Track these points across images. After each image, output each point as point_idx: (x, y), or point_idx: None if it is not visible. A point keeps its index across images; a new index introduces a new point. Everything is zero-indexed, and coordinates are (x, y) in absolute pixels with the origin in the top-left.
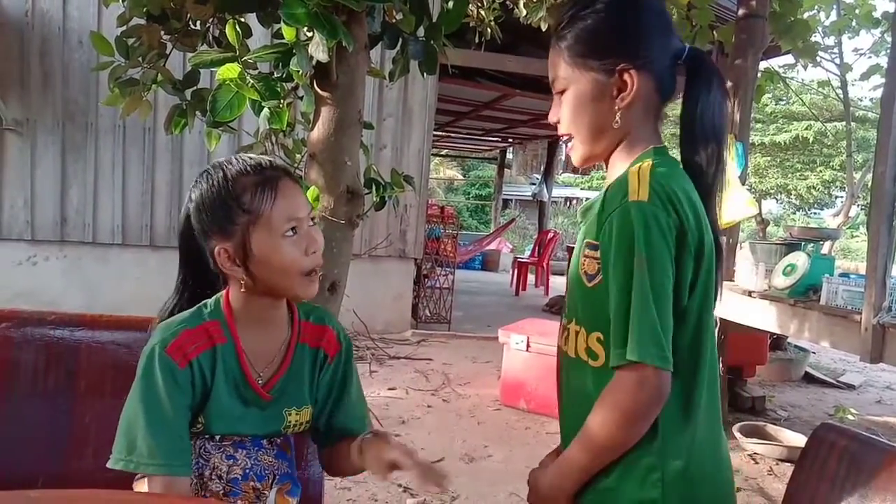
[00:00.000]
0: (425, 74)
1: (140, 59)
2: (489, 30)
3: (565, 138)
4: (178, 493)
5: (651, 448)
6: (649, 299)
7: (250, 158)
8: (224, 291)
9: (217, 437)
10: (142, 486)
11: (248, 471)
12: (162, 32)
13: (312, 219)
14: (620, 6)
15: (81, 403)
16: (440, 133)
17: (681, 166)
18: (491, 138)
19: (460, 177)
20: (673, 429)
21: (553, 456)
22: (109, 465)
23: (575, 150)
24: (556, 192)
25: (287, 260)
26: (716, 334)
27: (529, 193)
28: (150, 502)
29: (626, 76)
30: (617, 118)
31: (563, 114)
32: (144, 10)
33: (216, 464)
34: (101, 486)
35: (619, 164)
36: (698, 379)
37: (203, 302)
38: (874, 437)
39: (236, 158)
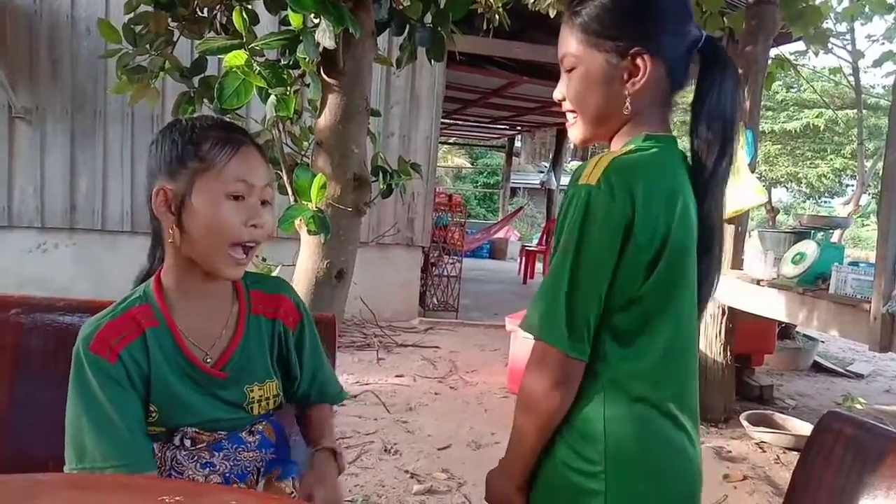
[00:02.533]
0: (433, 61)
1: (147, 46)
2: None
3: (569, 115)
4: None
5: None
6: (563, 284)
7: (225, 119)
8: (154, 275)
9: (187, 444)
10: None
11: (227, 474)
12: (169, 19)
13: (265, 201)
14: None
15: None
16: (448, 121)
17: (672, 156)
18: (499, 126)
19: (468, 165)
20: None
21: None
22: (65, 471)
23: (576, 129)
24: (565, 179)
25: (221, 221)
26: (697, 327)
27: (538, 182)
28: (156, 486)
29: (638, 60)
30: (627, 103)
31: (570, 91)
32: None
33: (191, 475)
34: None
35: (614, 148)
36: (633, 368)
37: (133, 289)
38: (880, 425)
39: (215, 116)
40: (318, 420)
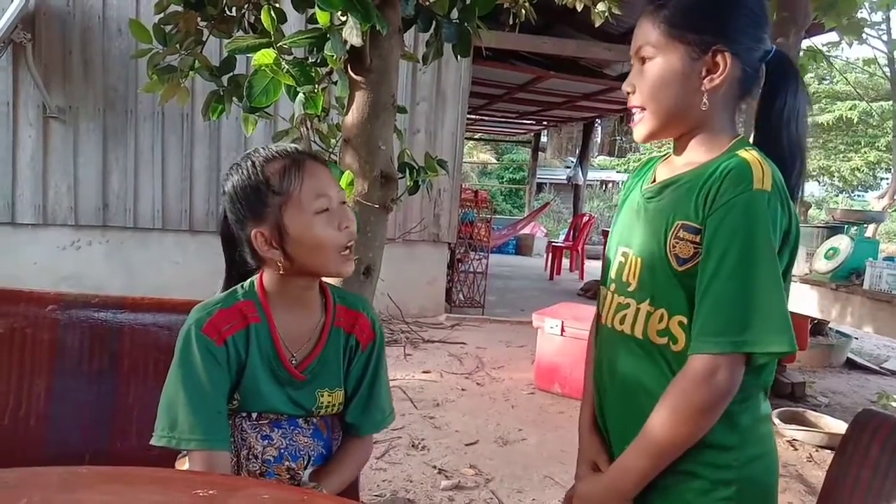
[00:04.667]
0: (459, 57)
1: (177, 45)
2: (524, 11)
3: (635, 111)
4: (217, 467)
5: (725, 445)
6: (779, 291)
7: (276, 146)
8: (258, 274)
9: (254, 416)
10: (183, 465)
11: (282, 451)
12: (198, 19)
13: (343, 201)
14: None
15: (125, 384)
16: (474, 116)
17: None
18: (525, 121)
19: (494, 160)
20: (745, 419)
21: (587, 466)
22: (153, 442)
23: (644, 124)
24: (592, 175)
25: (322, 235)
26: None
27: (564, 177)
28: (191, 479)
29: (719, 57)
30: (704, 99)
31: (644, 84)
32: None
33: (252, 444)
34: (144, 465)
35: (704, 148)
36: (770, 368)
37: (238, 284)
38: None
39: (263, 148)
40: (346, 451)
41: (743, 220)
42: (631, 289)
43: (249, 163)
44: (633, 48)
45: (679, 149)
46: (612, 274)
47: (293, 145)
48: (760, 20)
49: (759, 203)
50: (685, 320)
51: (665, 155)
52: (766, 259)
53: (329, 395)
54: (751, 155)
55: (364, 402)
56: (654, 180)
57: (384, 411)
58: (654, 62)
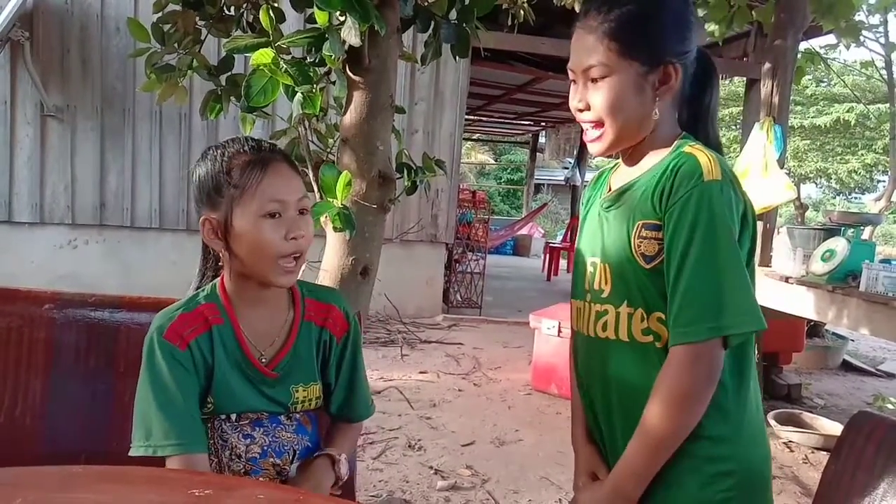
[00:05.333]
0: (457, 58)
1: (176, 45)
2: (522, 12)
3: (588, 126)
4: (197, 469)
5: (720, 436)
6: (743, 273)
7: (252, 139)
8: (220, 278)
9: (233, 418)
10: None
11: (266, 448)
12: (197, 18)
13: (303, 210)
14: None
15: (122, 383)
16: (472, 117)
17: None
18: (523, 122)
19: (492, 161)
20: (735, 408)
21: (586, 476)
22: (131, 453)
23: (603, 139)
24: (590, 176)
25: (263, 240)
26: None
27: (562, 178)
28: (187, 479)
29: (670, 69)
30: (656, 109)
31: (598, 101)
32: None
33: (234, 444)
34: (140, 464)
35: (654, 152)
36: (749, 355)
37: (200, 287)
38: None
39: (241, 138)
40: (337, 431)
41: (700, 211)
42: (605, 295)
43: (220, 150)
44: (578, 65)
45: (630, 157)
46: (585, 285)
47: (270, 142)
48: (690, 23)
49: (714, 192)
50: (663, 316)
51: (615, 165)
52: (727, 244)
53: (304, 391)
54: (696, 149)
55: (346, 393)
56: (610, 189)
57: (366, 401)
58: (608, 81)
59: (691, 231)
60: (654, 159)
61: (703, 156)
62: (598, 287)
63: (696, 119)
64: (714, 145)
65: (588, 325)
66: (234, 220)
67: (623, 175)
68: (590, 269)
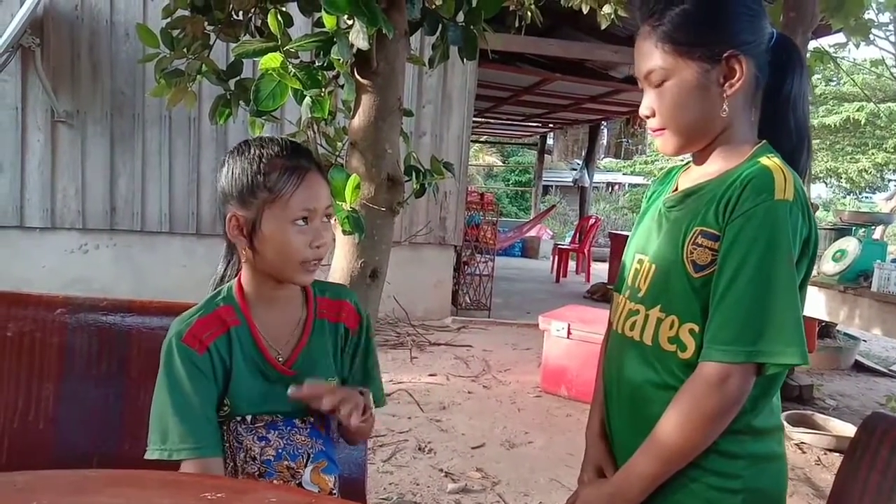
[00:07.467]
0: (465, 60)
1: (185, 50)
2: (529, 13)
3: (656, 132)
4: (212, 473)
5: (733, 453)
6: (795, 301)
7: (290, 143)
8: (236, 278)
9: (248, 420)
10: (187, 469)
11: (280, 451)
12: (205, 23)
13: (328, 216)
14: None
15: (133, 387)
16: (480, 119)
17: None
18: (531, 124)
19: (500, 163)
20: (754, 428)
21: (592, 471)
22: (147, 456)
23: (667, 142)
24: (598, 177)
25: (290, 246)
26: None
27: (570, 179)
28: (200, 483)
29: (733, 62)
30: (724, 107)
31: (663, 107)
32: (188, 1)
33: (249, 446)
34: (152, 468)
35: (726, 156)
36: (779, 377)
37: (216, 290)
38: None
39: (279, 139)
40: None
41: (763, 229)
42: (641, 295)
43: (258, 151)
44: (640, 72)
45: (700, 158)
46: (628, 280)
47: (307, 148)
48: (757, 10)
49: (781, 213)
50: (696, 328)
51: (686, 164)
52: (784, 269)
53: None
54: (773, 162)
55: (361, 378)
56: (677, 189)
57: (380, 388)
58: (668, 84)
59: (749, 247)
60: (726, 164)
61: (779, 172)
62: (637, 285)
63: (775, 108)
64: (796, 138)
65: (619, 321)
66: (262, 223)
67: (692, 176)
68: (636, 265)
